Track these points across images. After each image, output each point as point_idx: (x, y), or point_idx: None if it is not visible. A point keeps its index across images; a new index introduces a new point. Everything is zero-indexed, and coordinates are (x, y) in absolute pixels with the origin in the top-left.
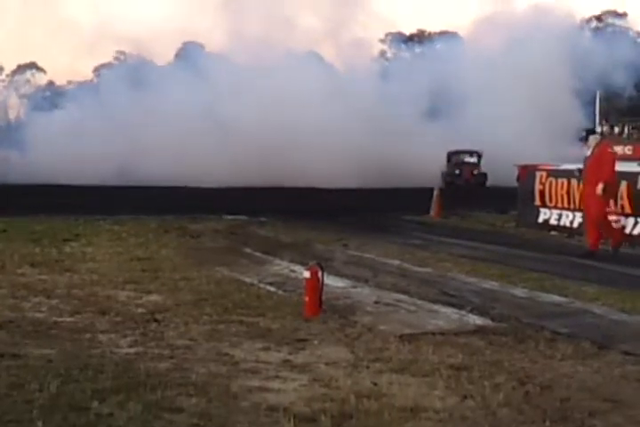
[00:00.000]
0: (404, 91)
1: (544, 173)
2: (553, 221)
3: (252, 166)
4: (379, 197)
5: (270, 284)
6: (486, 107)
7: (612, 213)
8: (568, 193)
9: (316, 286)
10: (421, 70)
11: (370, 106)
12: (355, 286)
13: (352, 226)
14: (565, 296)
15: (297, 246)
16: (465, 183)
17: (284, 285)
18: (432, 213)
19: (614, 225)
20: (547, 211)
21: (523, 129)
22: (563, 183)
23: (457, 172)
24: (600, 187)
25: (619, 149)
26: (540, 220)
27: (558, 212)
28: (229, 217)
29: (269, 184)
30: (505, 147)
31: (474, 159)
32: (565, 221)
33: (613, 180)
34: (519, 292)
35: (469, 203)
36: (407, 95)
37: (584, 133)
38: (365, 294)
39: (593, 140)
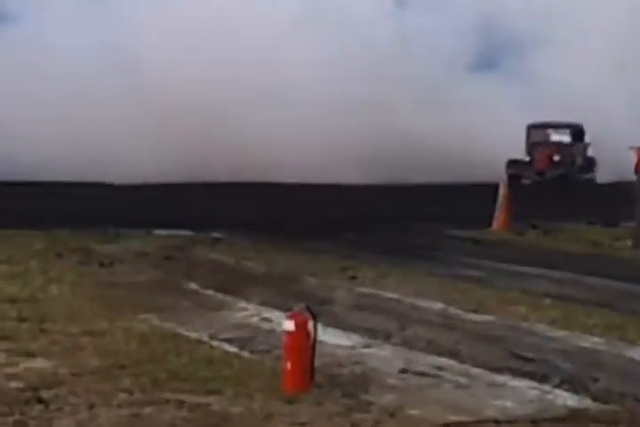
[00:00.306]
0: (438, 26)
1: None
2: None
3: (193, 148)
4: (405, 199)
5: (229, 341)
6: (570, 56)
7: None
8: None
9: (303, 344)
10: None
11: (383, 48)
12: (369, 345)
13: (364, 247)
14: None
15: (273, 280)
16: (538, 176)
17: (251, 342)
18: (495, 225)
19: None
20: None
21: (631, 91)
22: None
23: (527, 158)
24: None
25: None
26: None
27: None
28: (163, 232)
29: (223, 178)
30: (602, 120)
31: (566, 137)
32: None
33: None
34: (639, 354)
35: (558, 208)
36: (444, 33)
37: None
38: (386, 357)
39: None
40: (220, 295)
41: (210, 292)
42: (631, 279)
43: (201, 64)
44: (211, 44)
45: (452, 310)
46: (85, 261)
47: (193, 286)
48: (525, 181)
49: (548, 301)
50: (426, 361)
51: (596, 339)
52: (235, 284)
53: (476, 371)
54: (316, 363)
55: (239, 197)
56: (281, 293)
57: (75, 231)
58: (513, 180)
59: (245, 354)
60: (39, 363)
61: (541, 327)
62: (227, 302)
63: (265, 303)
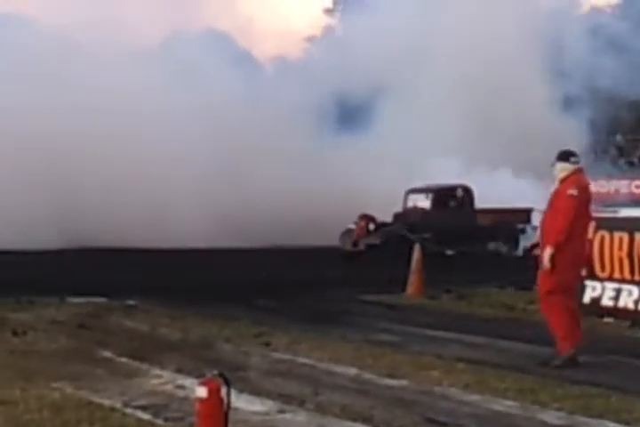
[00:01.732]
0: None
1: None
2: (607, 302)
3: (87, 213)
4: (316, 263)
5: (143, 408)
6: (413, 110)
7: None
8: (631, 255)
9: (217, 411)
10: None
11: (237, 109)
12: (283, 411)
13: (276, 312)
14: (627, 424)
15: (188, 347)
16: (352, 246)
17: (165, 409)
18: (409, 290)
19: None
20: (596, 284)
21: (475, 147)
22: (622, 240)
23: (351, 226)
24: (547, 253)
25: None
26: (587, 299)
27: (615, 286)
28: (77, 300)
29: (135, 244)
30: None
31: (425, 203)
32: (628, 301)
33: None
34: (551, 417)
35: (472, 273)
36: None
37: (555, 158)
38: (300, 422)
39: (560, 168)
40: (134, 363)
41: (124, 359)
42: (544, 342)
43: (51, 114)
44: (70, 95)
45: (366, 375)
46: None
47: (107, 353)
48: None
49: (461, 365)
50: None
51: (509, 402)
52: (149, 351)
53: None
54: None
55: (152, 263)
56: (195, 359)
57: None
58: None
59: (159, 421)
60: None
61: (455, 391)
62: (141, 370)
63: (179, 370)
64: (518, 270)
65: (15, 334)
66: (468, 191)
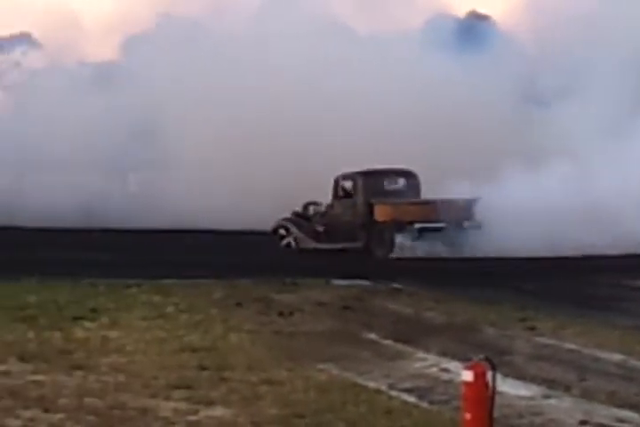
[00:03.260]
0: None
1: None
2: None
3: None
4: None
5: (408, 391)
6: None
7: None
8: None
9: (482, 395)
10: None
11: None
12: (548, 396)
13: (541, 297)
14: None
15: (452, 330)
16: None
17: (430, 392)
18: None
19: None
20: None
21: None
22: None
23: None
24: None
25: None
26: None
27: None
28: (342, 282)
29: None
30: None
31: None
32: None
33: None
34: None
35: None
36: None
37: None
38: (566, 408)
39: None
40: (399, 345)
41: (389, 342)
42: None
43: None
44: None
45: (633, 362)
46: (264, 310)
47: (372, 336)
48: None
49: None
50: (606, 413)
51: None
52: (414, 334)
53: None
54: (496, 414)
55: None
56: (460, 343)
57: (254, 280)
58: None
59: (424, 404)
60: (219, 411)
61: None
62: (406, 352)
63: (444, 353)
64: None
65: (281, 314)
66: (360, 181)
